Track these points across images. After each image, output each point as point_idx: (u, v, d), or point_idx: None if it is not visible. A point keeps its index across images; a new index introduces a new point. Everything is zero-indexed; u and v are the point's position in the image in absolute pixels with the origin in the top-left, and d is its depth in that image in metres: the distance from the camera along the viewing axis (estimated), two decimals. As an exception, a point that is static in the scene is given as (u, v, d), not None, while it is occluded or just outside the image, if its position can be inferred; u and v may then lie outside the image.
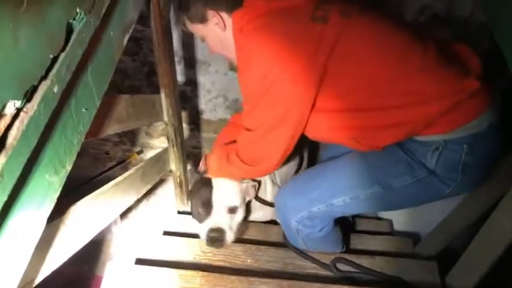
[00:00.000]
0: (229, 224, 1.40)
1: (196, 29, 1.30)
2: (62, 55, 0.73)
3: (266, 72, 1.05)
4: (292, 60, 1.04)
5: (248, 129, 1.21)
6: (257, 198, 1.60)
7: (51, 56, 0.69)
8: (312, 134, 1.23)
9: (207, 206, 1.41)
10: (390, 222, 2.09)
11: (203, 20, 1.24)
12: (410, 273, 1.45)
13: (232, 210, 1.43)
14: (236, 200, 1.44)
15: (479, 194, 1.45)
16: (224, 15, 1.20)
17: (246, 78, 1.14)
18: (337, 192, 1.28)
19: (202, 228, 1.40)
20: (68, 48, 0.74)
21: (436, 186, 1.15)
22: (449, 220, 1.60)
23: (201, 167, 1.57)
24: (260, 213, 1.70)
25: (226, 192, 1.43)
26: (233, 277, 1.26)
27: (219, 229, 1.37)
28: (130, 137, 2.66)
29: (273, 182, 1.66)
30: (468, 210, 1.51)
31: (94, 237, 2.39)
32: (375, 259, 1.49)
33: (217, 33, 1.25)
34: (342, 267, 1.44)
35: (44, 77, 0.68)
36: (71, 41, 0.75)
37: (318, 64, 1.04)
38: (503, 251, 1.18)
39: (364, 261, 1.46)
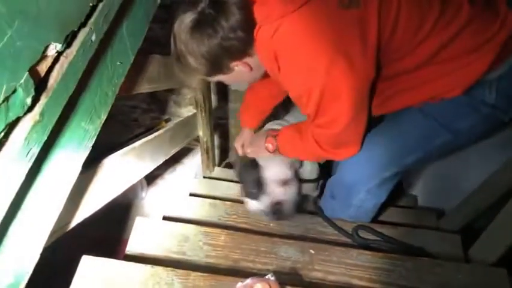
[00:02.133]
0: (285, 196, 1.45)
1: (216, 78, 1.21)
2: (100, 5, 0.75)
3: (318, 64, 0.99)
4: (340, 43, 0.98)
5: (321, 126, 1.16)
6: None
7: (91, 4, 0.71)
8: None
9: (259, 184, 1.44)
10: (415, 197, 2.08)
11: (226, 71, 1.15)
12: (432, 245, 1.45)
13: (285, 183, 1.46)
14: (287, 173, 1.47)
15: (505, 171, 1.43)
16: (248, 58, 1.12)
17: (296, 77, 1.06)
18: (408, 150, 1.27)
19: (261, 205, 1.45)
20: (106, -2, 0.76)
21: (499, 118, 1.15)
22: (475, 196, 1.58)
23: (268, 146, 1.45)
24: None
25: (275, 167, 1.46)
26: (257, 237, 1.29)
27: (277, 202, 1.43)
28: (158, 105, 2.71)
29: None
30: (494, 186, 1.49)
31: (123, 200, 2.47)
32: (397, 230, 1.49)
33: (242, 73, 1.17)
34: (364, 236, 1.45)
35: (83, 24, 0.71)
36: (109, -9, 0.77)
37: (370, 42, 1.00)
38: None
39: (386, 231, 1.46)
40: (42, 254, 0.80)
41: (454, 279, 1.22)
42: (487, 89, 1.09)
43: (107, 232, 2.17)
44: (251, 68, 1.15)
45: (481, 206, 1.54)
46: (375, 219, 1.63)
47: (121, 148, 1.18)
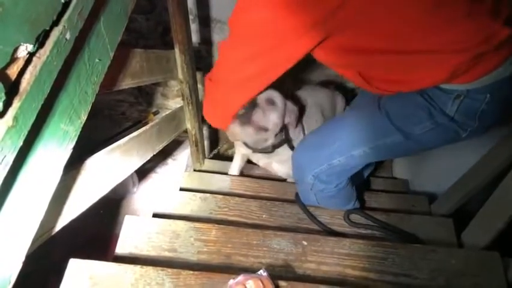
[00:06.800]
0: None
1: None
2: (74, 1, 0.72)
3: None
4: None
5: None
6: (289, 142, 1.56)
7: (62, 1, 0.68)
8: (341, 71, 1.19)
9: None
10: (406, 181, 2.08)
11: None
12: (425, 229, 1.45)
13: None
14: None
15: (496, 154, 1.43)
16: None
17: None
18: (357, 143, 1.26)
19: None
20: (79, -6, 0.73)
21: (454, 131, 1.12)
22: (465, 179, 1.58)
23: None
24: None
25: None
26: (248, 230, 1.28)
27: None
28: (146, 98, 2.67)
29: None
30: (484, 170, 1.49)
31: (115, 196, 2.45)
32: (390, 216, 1.49)
33: None
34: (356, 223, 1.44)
35: (56, 23, 0.68)
36: (82, -13, 0.74)
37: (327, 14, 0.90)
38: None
39: (379, 217, 1.46)
40: (37, 253, 0.78)
41: (447, 264, 1.22)
42: (451, 100, 1.06)
43: (100, 228, 2.16)
44: None
45: (472, 189, 1.54)
46: (364, 206, 1.63)
47: (109, 143, 1.15)
